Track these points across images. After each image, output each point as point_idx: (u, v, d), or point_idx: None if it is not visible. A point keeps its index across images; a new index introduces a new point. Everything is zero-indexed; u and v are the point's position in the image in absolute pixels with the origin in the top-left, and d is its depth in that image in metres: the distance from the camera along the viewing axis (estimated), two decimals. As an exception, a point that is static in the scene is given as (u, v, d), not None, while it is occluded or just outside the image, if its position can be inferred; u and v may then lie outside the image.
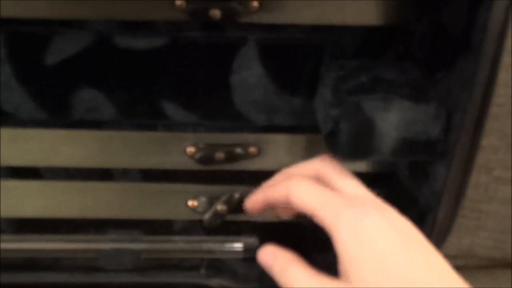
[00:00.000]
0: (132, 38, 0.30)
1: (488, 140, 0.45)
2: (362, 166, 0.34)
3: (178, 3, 0.27)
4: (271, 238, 0.28)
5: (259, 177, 0.34)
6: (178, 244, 0.34)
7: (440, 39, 0.27)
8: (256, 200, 0.29)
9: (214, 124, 0.33)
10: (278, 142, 0.33)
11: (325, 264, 0.25)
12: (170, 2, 0.27)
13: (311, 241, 0.33)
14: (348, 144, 0.26)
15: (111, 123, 0.32)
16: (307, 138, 0.33)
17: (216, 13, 0.27)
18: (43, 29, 0.29)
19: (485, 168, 0.47)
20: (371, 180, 0.27)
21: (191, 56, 0.30)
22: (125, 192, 0.34)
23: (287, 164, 0.28)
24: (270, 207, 0.29)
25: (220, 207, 0.34)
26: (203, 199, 0.34)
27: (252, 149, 0.33)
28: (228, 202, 0.34)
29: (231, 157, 0.33)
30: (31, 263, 0.32)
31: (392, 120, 0.25)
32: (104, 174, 0.34)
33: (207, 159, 0.33)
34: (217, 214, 0.34)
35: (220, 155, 0.33)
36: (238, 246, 0.34)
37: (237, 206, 0.34)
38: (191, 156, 0.33)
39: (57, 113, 0.32)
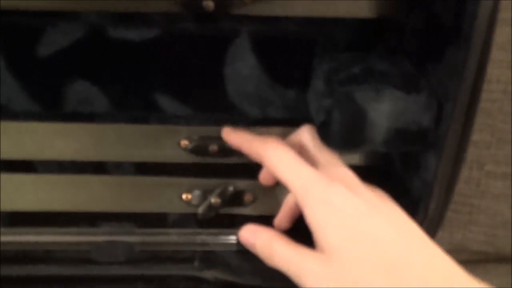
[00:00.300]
0: (125, 29, 0.30)
1: (480, 136, 0.46)
2: (355, 158, 0.34)
3: (171, -6, 0.27)
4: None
5: (253, 170, 0.34)
6: (171, 237, 0.34)
7: (431, 30, 0.27)
8: (233, 139, 0.30)
9: (208, 116, 0.33)
10: (272, 135, 0.33)
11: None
12: (163, -7, 0.27)
13: (306, 234, 0.34)
14: (340, 134, 0.26)
15: (104, 115, 0.32)
16: (300, 131, 0.33)
17: (209, 4, 0.28)
18: (35, 20, 0.29)
19: (477, 163, 0.47)
20: (363, 173, 0.28)
21: (184, 48, 0.30)
22: (118, 185, 0.34)
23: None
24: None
25: (214, 200, 0.34)
26: (197, 192, 0.34)
27: (245, 142, 0.33)
28: (222, 195, 0.34)
29: (225, 150, 0.33)
30: (23, 255, 0.32)
31: (384, 110, 0.25)
32: (97, 167, 0.34)
33: (200, 151, 0.33)
34: (211, 207, 0.34)
35: (214, 147, 0.33)
36: (232, 238, 0.34)
37: (231, 199, 0.35)
38: (185, 149, 0.33)
39: (49, 106, 0.32)
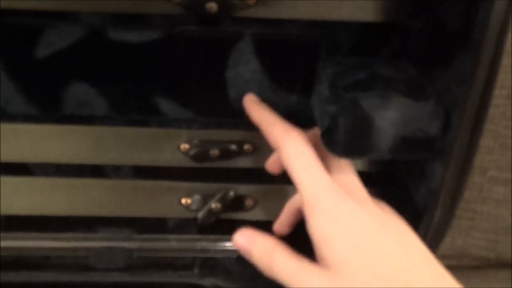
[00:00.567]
0: (125, 31, 0.29)
1: (482, 141, 0.45)
2: (359, 164, 0.33)
3: (173, -4, 0.27)
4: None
5: (254, 175, 0.34)
6: (171, 243, 0.33)
7: (437, 35, 0.27)
8: (254, 113, 0.28)
9: (209, 120, 0.32)
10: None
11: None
12: (165, -6, 0.27)
13: (306, 241, 0.33)
14: (345, 141, 0.25)
15: (103, 118, 0.32)
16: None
17: (212, 6, 0.27)
18: (34, 21, 0.28)
19: (479, 168, 0.47)
20: (367, 179, 0.27)
21: (186, 50, 0.30)
22: (117, 189, 0.34)
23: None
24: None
25: (214, 205, 0.34)
26: (197, 197, 0.34)
27: (247, 146, 0.33)
28: (222, 200, 0.34)
29: (226, 154, 0.33)
30: (20, 261, 0.31)
31: (391, 118, 0.25)
32: (95, 171, 0.34)
33: (201, 155, 0.32)
34: (211, 212, 0.34)
35: (214, 151, 0.32)
36: (232, 245, 0.33)
37: (231, 204, 0.34)
38: (185, 153, 0.33)
39: (47, 108, 0.31)
